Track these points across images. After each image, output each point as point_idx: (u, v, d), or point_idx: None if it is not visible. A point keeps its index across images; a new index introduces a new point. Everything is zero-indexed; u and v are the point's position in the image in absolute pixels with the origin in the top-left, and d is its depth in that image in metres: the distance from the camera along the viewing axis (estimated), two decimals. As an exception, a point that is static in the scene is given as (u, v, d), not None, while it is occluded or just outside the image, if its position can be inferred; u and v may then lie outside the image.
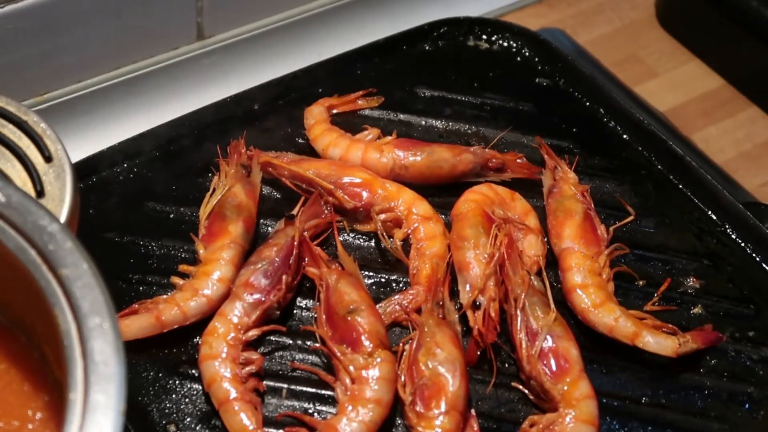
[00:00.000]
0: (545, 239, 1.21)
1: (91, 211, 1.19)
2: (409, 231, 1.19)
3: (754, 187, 1.37)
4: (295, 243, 1.13)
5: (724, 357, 1.13)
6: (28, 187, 0.87)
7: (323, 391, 1.06)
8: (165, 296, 1.10)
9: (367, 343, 1.05)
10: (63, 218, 0.85)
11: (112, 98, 1.36)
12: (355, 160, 1.25)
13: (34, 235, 0.70)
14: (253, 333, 1.07)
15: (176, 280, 1.12)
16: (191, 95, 1.37)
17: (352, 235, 1.21)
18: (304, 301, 1.14)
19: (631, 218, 1.24)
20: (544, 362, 1.06)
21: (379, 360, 1.04)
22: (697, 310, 1.17)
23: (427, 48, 1.44)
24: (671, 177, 1.30)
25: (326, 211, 1.20)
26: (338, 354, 1.05)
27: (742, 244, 1.24)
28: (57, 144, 0.90)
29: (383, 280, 1.18)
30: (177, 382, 1.06)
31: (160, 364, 1.07)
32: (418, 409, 1.01)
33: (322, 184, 1.21)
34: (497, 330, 1.09)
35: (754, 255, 1.23)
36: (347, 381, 1.03)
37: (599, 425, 1.03)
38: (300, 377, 1.08)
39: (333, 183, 1.21)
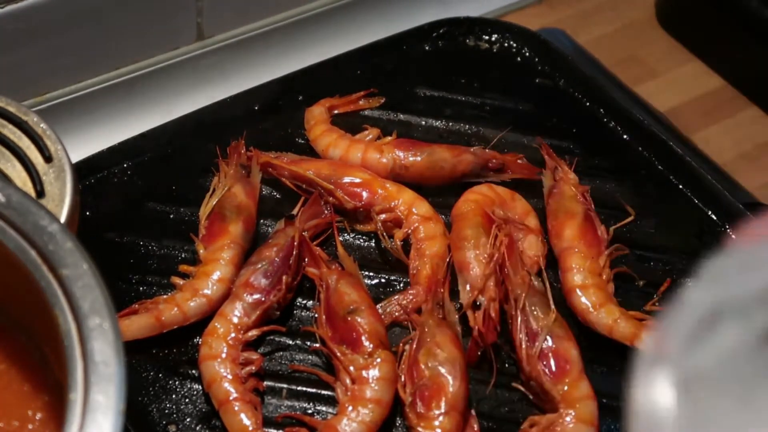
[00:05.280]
0: (545, 239, 1.21)
1: (91, 212, 1.19)
2: (409, 231, 1.19)
3: (754, 187, 1.37)
4: (295, 243, 1.13)
5: (724, 357, 1.13)
6: (28, 187, 0.87)
7: (323, 391, 1.06)
8: (165, 296, 1.10)
9: (367, 343, 1.05)
10: (63, 218, 0.86)
11: (112, 98, 1.36)
12: (355, 161, 1.25)
13: (34, 235, 0.70)
14: (253, 333, 1.07)
15: (176, 280, 1.12)
16: (191, 95, 1.37)
17: (352, 235, 1.22)
18: (304, 301, 1.14)
19: (631, 218, 1.24)
20: (544, 363, 1.06)
21: (379, 360, 1.04)
22: (697, 310, 1.17)
23: (427, 48, 1.44)
24: (671, 177, 1.30)
25: (326, 211, 1.20)
26: (338, 354, 1.05)
27: (743, 245, 1.23)
28: (57, 144, 0.90)
29: (383, 280, 1.18)
30: (177, 382, 1.06)
31: (160, 364, 1.07)
32: (418, 409, 1.01)
33: (322, 184, 1.21)
34: (497, 330, 1.09)
35: (754, 255, 1.23)
36: (347, 381, 1.03)
37: (599, 425, 1.03)
38: (300, 377, 1.08)
39: (333, 183, 1.21)
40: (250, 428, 1.00)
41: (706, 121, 1.47)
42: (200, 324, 1.08)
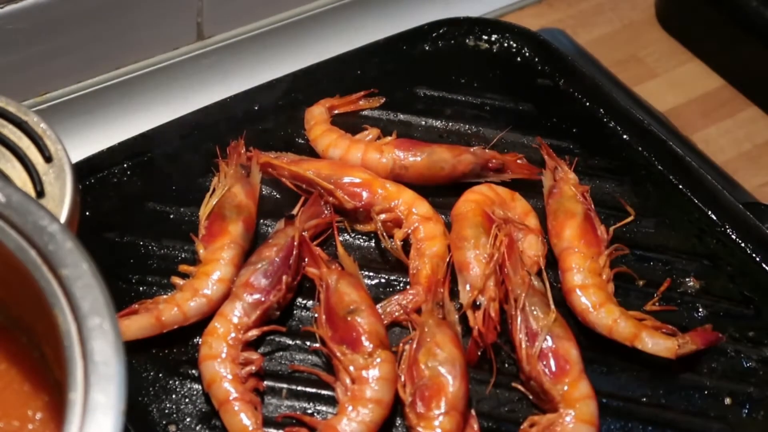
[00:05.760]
0: (545, 239, 1.21)
1: (91, 212, 1.19)
2: (409, 231, 1.19)
3: (754, 187, 1.37)
4: (295, 243, 1.13)
5: (724, 357, 1.13)
6: (28, 188, 0.87)
7: (323, 391, 1.06)
8: (165, 296, 1.10)
9: (367, 343, 1.05)
10: (63, 218, 0.85)
11: (112, 98, 1.36)
12: (355, 161, 1.25)
13: (34, 235, 0.70)
14: (253, 333, 1.07)
15: (176, 280, 1.12)
16: (191, 95, 1.37)
17: (352, 235, 1.21)
18: (304, 301, 1.14)
19: (631, 218, 1.24)
20: (544, 362, 1.06)
21: (379, 360, 1.04)
22: (697, 310, 1.17)
23: (427, 48, 1.44)
24: (671, 177, 1.30)
25: (326, 211, 1.20)
26: (338, 354, 1.05)
27: (742, 245, 1.24)
28: (57, 144, 0.90)
29: (383, 280, 1.18)
30: (177, 382, 1.06)
31: (160, 364, 1.07)
32: (418, 409, 1.01)
33: (322, 184, 1.20)
34: (497, 330, 1.09)
35: (754, 255, 1.23)
36: (347, 381, 1.03)
37: (599, 425, 1.03)
38: (300, 377, 1.08)
39: (333, 183, 1.21)
40: (250, 428, 1.00)
41: (706, 121, 1.47)
42: (200, 324, 1.08)
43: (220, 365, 1.03)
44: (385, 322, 1.10)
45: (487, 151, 1.28)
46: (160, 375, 1.07)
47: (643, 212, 1.26)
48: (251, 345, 1.08)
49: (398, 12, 1.53)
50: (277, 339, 1.11)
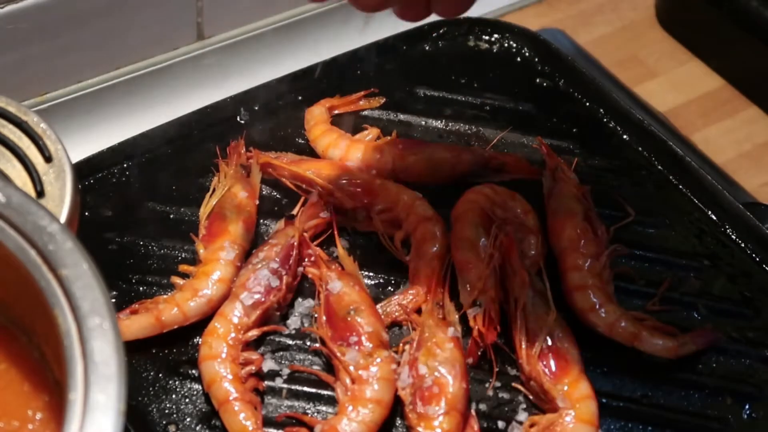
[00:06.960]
0: (545, 239, 1.20)
1: (91, 212, 1.19)
2: (409, 231, 1.19)
3: (754, 187, 1.37)
4: (295, 243, 1.13)
5: (724, 357, 1.13)
6: (28, 188, 0.87)
7: (323, 391, 1.06)
8: (165, 296, 1.10)
9: (366, 343, 1.05)
10: (63, 218, 0.85)
11: (112, 98, 1.36)
12: (355, 161, 1.25)
13: (34, 235, 0.70)
14: (253, 333, 1.07)
15: (176, 280, 1.12)
16: (191, 95, 1.37)
17: (352, 235, 1.21)
18: (304, 302, 1.14)
19: (631, 218, 1.24)
20: (544, 362, 1.06)
21: (378, 360, 1.04)
22: (697, 310, 1.17)
23: (427, 48, 1.44)
24: (671, 177, 1.30)
25: (326, 212, 1.20)
26: (338, 354, 1.05)
27: (742, 245, 1.24)
28: (57, 144, 0.90)
29: (383, 280, 1.18)
30: (177, 382, 1.06)
31: (160, 364, 1.07)
32: (418, 409, 1.01)
33: (322, 184, 1.20)
34: (497, 330, 1.09)
35: (754, 255, 1.23)
36: (347, 381, 1.03)
37: (599, 425, 1.03)
38: (300, 377, 1.08)
39: (333, 183, 1.21)
40: (250, 428, 1.00)
41: (706, 121, 1.47)
42: (200, 324, 1.08)
43: (220, 365, 1.03)
44: (386, 322, 1.10)
45: (487, 150, 1.28)
46: (160, 375, 1.07)
47: (643, 212, 1.26)
48: (251, 345, 1.08)
49: (398, 12, 1.52)
50: (277, 339, 1.11)
